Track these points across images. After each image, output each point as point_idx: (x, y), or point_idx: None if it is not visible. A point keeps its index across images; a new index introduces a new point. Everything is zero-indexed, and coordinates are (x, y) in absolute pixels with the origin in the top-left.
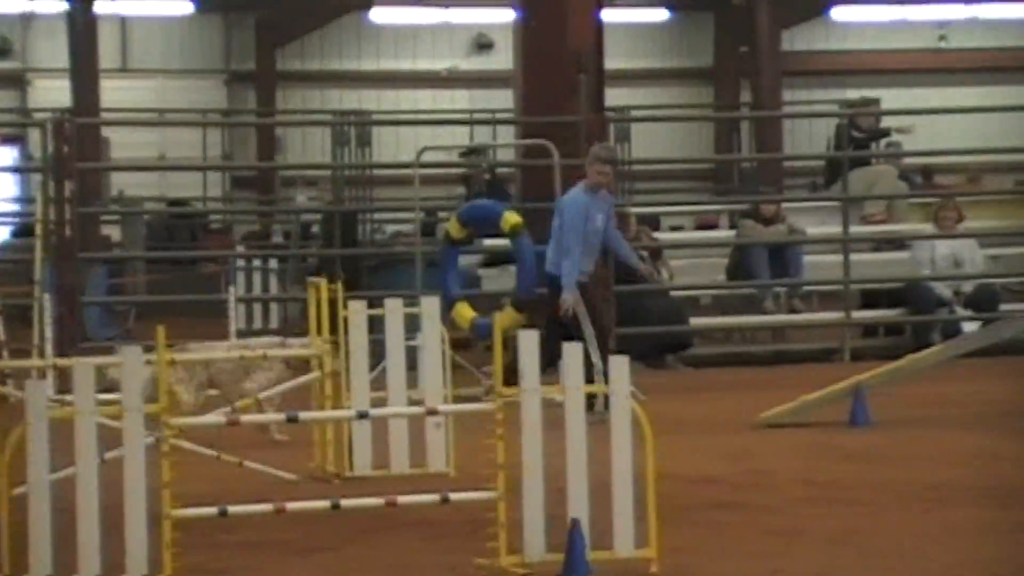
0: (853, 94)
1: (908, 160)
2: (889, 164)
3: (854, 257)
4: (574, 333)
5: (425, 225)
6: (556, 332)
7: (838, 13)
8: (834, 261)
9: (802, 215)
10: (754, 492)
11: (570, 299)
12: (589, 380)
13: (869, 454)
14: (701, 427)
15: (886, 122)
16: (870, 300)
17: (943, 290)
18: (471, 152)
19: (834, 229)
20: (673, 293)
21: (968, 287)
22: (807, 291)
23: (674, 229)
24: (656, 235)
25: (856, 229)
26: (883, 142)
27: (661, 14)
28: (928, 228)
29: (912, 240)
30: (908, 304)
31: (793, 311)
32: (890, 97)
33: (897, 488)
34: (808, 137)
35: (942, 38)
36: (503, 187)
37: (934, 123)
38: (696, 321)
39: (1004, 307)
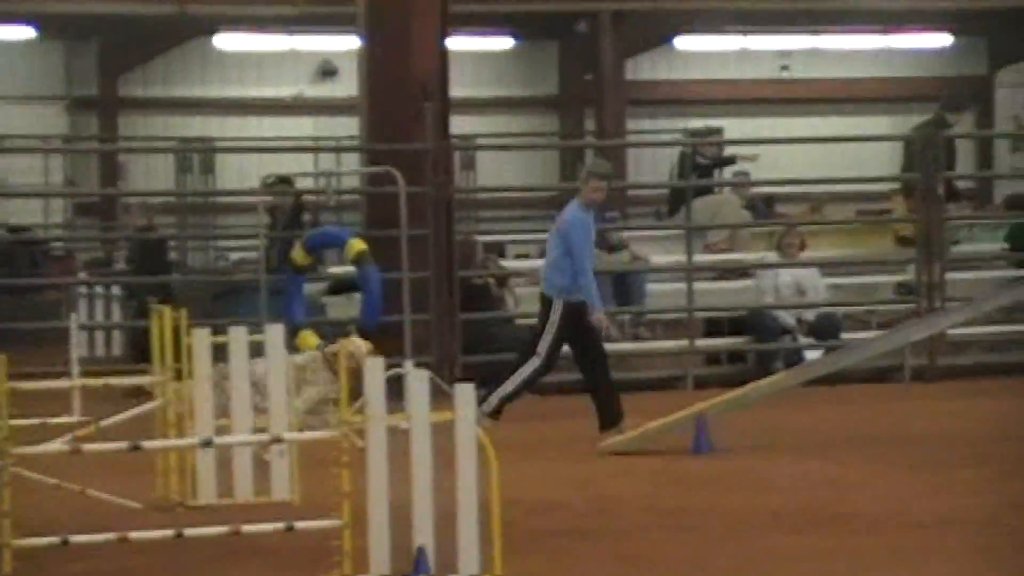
0: (697, 123)
1: (751, 189)
2: (733, 193)
3: (698, 285)
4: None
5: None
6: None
7: (681, 42)
8: (678, 289)
9: (646, 243)
10: (600, 518)
11: (602, 316)
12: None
13: (712, 481)
14: (546, 454)
15: (731, 151)
16: (713, 328)
17: (786, 318)
18: (280, 181)
19: (678, 257)
20: (518, 321)
21: (810, 315)
22: (651, 319)
23: (519, 257)
24: (502, 263)
25: (700, 257)
26: (729, 171)
27: (506, 42)
28: (771, 257)
29: (755, 268)
30: (751, 332)
31: (637, 339)
32: (733, 126)
33: (739, 514)
34: (652, 165)
35: (784, 68)
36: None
37: (777, 152)
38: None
39: (846, 335)
